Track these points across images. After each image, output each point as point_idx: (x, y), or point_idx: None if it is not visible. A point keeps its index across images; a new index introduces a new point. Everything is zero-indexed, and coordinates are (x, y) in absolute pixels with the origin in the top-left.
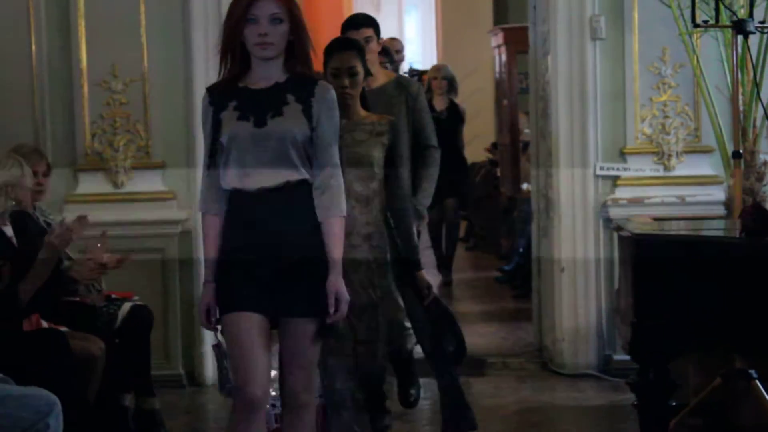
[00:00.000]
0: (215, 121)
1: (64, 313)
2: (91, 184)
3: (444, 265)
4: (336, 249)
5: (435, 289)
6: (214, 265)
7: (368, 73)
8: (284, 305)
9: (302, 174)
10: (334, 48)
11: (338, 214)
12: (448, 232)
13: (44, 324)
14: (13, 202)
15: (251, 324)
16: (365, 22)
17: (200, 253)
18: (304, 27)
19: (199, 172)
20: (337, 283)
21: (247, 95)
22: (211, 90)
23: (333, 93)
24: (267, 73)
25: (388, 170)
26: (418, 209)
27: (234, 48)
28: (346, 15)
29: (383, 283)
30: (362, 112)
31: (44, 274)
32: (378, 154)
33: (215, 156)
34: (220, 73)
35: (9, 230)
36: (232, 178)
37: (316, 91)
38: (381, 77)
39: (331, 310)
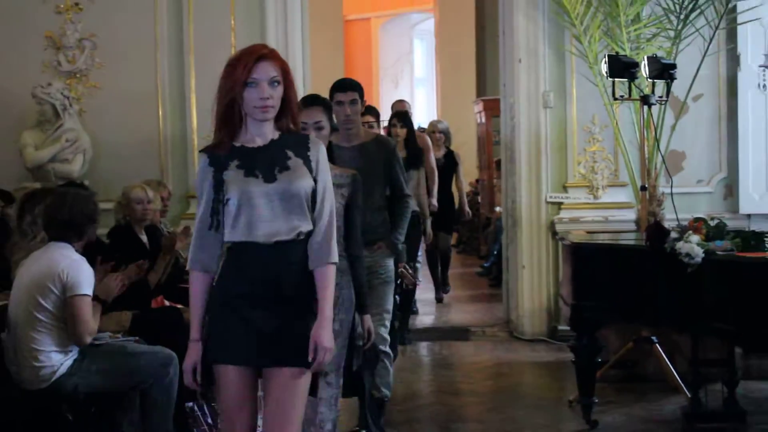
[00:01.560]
0: (217, 181)
1: (180, 295)
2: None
3: (438, 284)
4: (327, 297)
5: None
6: (202, 323)
7: (334, 128)
8: (287, 354)
9: (309, 225)
10: (302, 104)
11: (331, 261)
12: (441, 258)
13: (166, 303)
14: (147, 219)
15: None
16: (351, 86)
17: None
18: (294, 86)
19: None
20: (318, 333)
21: (247, 153)
22: (208, 152)
23: (324, 147)
24: (262, 132)
25: (347, 220)
26: (395, 243)
27: (233, 111)
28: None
29: (344, 317)
30: None
31: (166, 267)
32: (337, 205)
33: (215, 215)
34: (215, 135)
35: (144, 238)
36: (243, 232)
37: (311, 146)
38: (363, 135)
39: (310, 358)
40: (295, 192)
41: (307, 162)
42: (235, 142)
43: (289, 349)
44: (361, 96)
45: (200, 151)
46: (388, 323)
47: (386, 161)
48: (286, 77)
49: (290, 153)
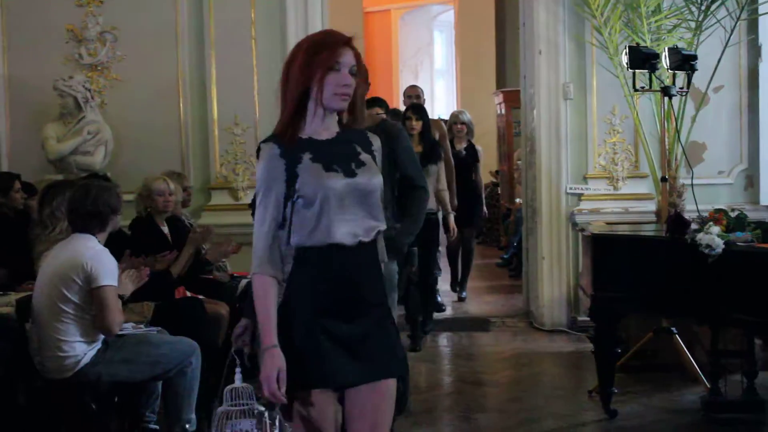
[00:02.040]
0: (290, 175)
1: (202, 286)
2: (219, 197)
3: (458, 283)
4: None
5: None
6: (275, 329)
7: None
8: (382, 366)
9: (384, 224)
10: None
11: (384, 260)
12: (464, 256)
13: (188, 293)
14: (169, 211)
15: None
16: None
17: None
18: (365, 81)
19: None
20: None
21: (319, 146)
22: (276, 142)
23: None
24: (328, 124)
25: None
26: (399, 247)
27: (305, 95)
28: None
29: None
30: None
31: (189, 259)
32: None
33: (283, 213)
34: (282, 125)
35: (165, 229)
36: (324, 234)
37: (372, 140)
38: (365, 121)
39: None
40: (372, 188)
41: (374, 157)
42: (301, 134)
43: (383, 360)
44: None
45: (265, 141)
46: None
47: (390, 150)
48: (360, 69)
49: (358, 148)
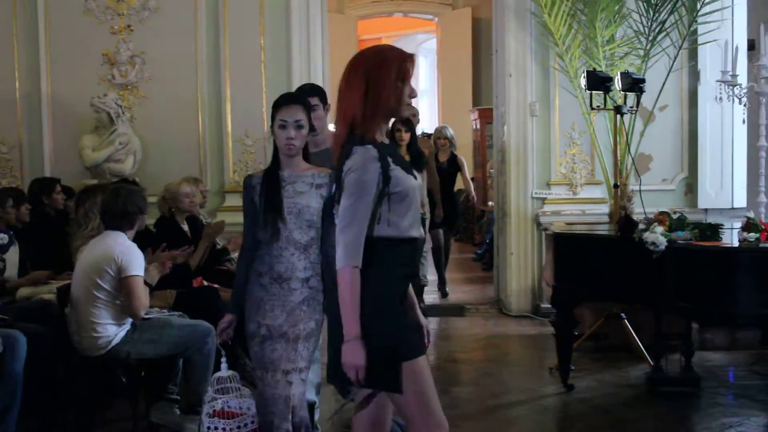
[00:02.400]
0: (385, 177)
1: (217, 276)
2: (233, 200)
3: (442, 283)
4: None
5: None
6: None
7: (312, 128)
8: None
9: None
10: (282, 102)
11: None
12: (445, 252)
13: (205, 283)
14: (187, 210)
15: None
16: (312, 91)
17: None
18: None
19: None
20: None
21: (390, 150)
22: (373, 145)
23: None
24: (383, 130)
25: (324, 220)
26: None
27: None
28: None
29: (318, 317)
30: (303, 165)
31: (205, 252)
32: (316, 205)
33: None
34: (372, 131)
35: (185, 227)
36: (408, 228)
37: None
38: (329, 140)
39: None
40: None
41: None
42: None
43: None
44: (323, 100)
45: (364, 145)
46: None
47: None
48: None
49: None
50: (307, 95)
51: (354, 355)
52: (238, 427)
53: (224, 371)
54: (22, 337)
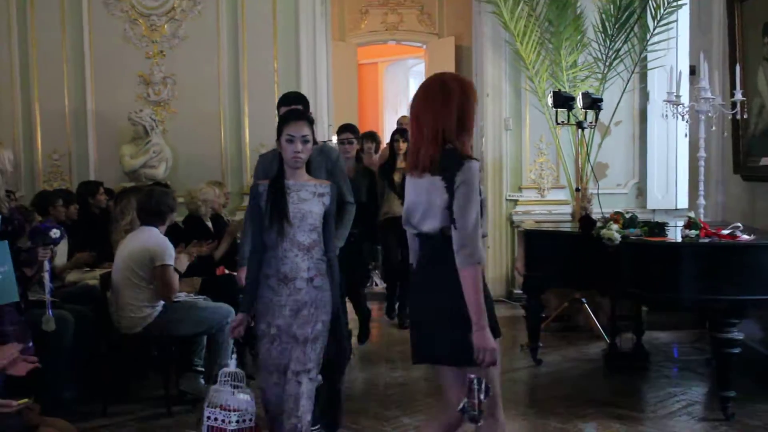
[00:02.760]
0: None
1: (236, 266)
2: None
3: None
4: None
5: None
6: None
7: (315, 141)
8: None
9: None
10: (290, 118)
11: None
12: None
13: (226, 271)
14: (212, 209)
15: None
16: (296, 100)
17: None
18: None
19: None
20: None
21: None
22: (474, 160)
23: None
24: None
25: (326, 226)
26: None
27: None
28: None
29: (325, 318)
30: (306, 175)
31: (227, 245)
32: (319, 211)
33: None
34: (465, 146)
35: (209, 224)
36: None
37: None
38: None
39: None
40: None
41: None
42: None
43: None
44: (306, 108)
45: (471, 159)
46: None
47: (329, 170)
48: None
49: None
50: (293, 103)
51: (486, 341)
52: (237, 422)
53: (232, 367)
54: (70, 317)
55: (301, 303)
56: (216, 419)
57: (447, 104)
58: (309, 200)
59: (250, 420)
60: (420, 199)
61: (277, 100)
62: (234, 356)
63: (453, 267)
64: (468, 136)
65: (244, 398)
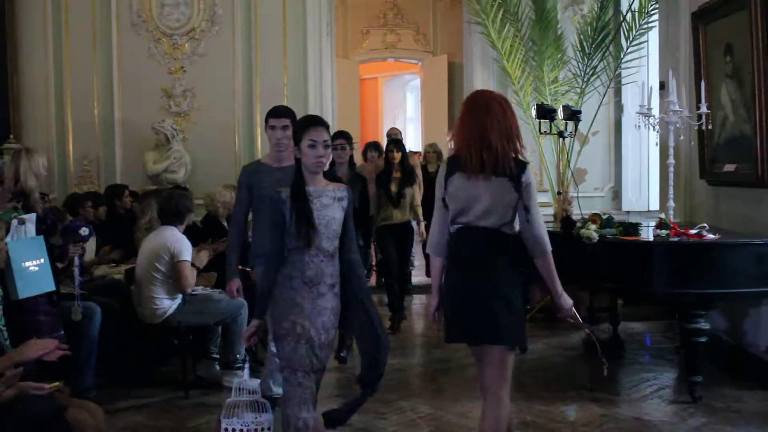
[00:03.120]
0: None
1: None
2: None
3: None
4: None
5: None
6: None
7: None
8: None
9: None
10: (310, 123)
11: None
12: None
13: (239, 267)
14: (228, 210)
15: None
16: (285, 113)
17: None
18: None
19: None
20: None
21: None
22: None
23: None
24: None
25: (346, 229)
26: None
27: None
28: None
29: (336, 329)
30: (323, 180)
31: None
32: (339, 216)
33: None
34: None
35: (225, 224)
36: None
37: None
38: (293, 157)
39: None
40: None
41: None
42: None
43: None
44: (294, 122)
45: (527, 162)
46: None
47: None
48: None
49: None
50: (283, 116)
51: (567, 301)
52: (255, 431)
53: (248, 380)
54: (98, 308)
55: (321, 308)
56: (234, 430)
57: (506, 117)
58: (330, 206)
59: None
60: (482, 198)
61: None
62: (247, 365)
63: (510, 258)
64: (520, 142)
65: (263, 416)
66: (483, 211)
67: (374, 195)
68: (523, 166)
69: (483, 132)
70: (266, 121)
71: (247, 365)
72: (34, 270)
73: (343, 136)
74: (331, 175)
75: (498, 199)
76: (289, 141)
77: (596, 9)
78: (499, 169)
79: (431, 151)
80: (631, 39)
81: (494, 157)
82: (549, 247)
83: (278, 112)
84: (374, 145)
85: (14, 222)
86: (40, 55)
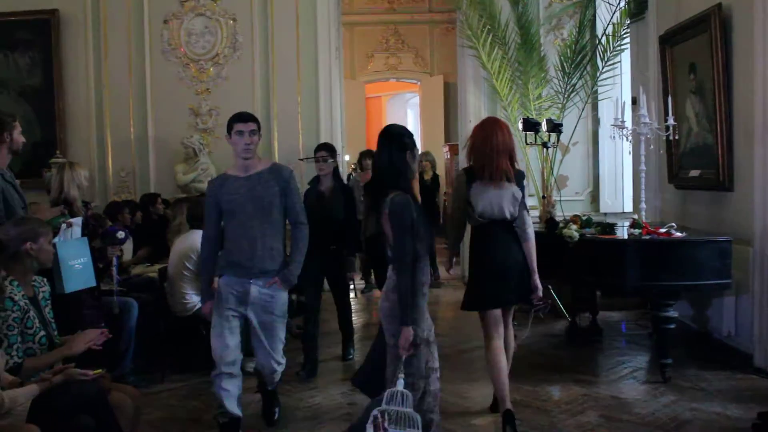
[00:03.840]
0: None
1: None
2: None
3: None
4: None
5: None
6: None
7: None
8: None
9: None
10: (238, 118)
11: None
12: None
13: None
14: None
15: None
16: (251, 117)
17: None
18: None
19: None
20: None
21: None
22: None
23: None
24: None
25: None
26: (289, 278)
27: None
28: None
29: None
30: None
31: None
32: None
33: None
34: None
35: None
36: None
37: None
38: (259, 164)
39: None
40: None
41: None
42: None
43: None
44: (259, 127)
45: (524, 172)
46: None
47: (282, 189)
48: None
49: None
50: (249, 120)
51: (537, 281)
52: None
53: (400, 386)
54: (135, 303)
55: (424, 308)
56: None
57: (511, 137)
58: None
59: None
60: (501, 199)
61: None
62: (401, 375)
63: (517, 237)
64: (515, 158)
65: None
66: (500, 208)
67: (364, 201)
68: (522, 174)
69: (493, 150)
70: (230, 127)
71: (401, 375)
72: (78, 268)
73: (324, 148)
74: (314, 189)
75: (511, 199)
76: (256, 147)
77: (575, 33)
78: (508, 178)
79: (426, 160)
80: (606, 60)
81: (503, 170)
82: (534, 235)
83: (244, 117)
84: (368, 153)
85: (63, 225)
86: (83, 80)
